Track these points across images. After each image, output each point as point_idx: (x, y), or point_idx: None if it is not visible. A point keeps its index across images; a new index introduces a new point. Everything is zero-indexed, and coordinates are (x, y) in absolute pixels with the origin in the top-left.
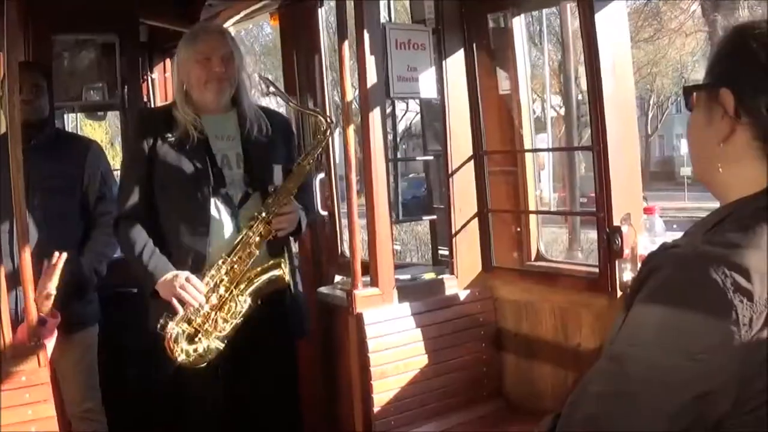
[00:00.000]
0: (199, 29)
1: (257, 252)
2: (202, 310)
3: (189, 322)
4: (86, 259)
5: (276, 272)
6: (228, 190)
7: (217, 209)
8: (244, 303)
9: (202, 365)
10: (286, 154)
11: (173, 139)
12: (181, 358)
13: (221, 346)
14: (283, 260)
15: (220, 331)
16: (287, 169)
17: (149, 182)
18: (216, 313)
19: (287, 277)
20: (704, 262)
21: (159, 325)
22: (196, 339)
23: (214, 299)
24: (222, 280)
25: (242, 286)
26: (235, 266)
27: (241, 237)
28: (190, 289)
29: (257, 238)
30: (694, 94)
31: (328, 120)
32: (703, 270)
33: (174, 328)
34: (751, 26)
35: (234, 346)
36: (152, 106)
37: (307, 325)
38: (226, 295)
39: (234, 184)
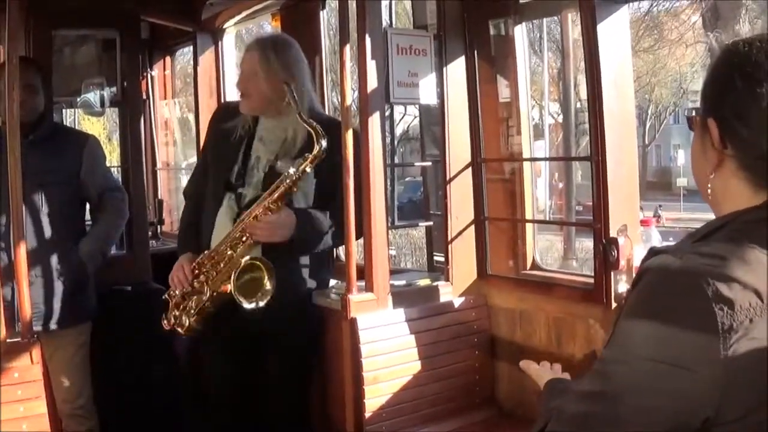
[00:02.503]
0: (249, 42)
1: (230, 253)
2: (183, 291)
3: (174, 297)
4: (91, 239)
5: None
6: (244, 191)
7: (228, 206)
8: (206, 295)
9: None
10: (327, 166)
11: (225, 130)
12: (164, 322)
13: (194, 323)
14: (236, 269)
15: (189, 311)
16: (328, 180)
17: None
18: (193, 298)
19: (230, 286)
20: (689, 274)
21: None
22: (177, 313)
23: (196, 285)
24: (205, 272)
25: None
26: (220, 263)
27: (224, 237)
28: (179, 275)
29: (244, 239)
30: (694, 117)
31: (322, 136)
32: (687, 283)
33: (169, 300)
34: (735, 51)
35: (244, 337)
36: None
37: (279, 327)
38: (204, 285)
39: (252, 186)
